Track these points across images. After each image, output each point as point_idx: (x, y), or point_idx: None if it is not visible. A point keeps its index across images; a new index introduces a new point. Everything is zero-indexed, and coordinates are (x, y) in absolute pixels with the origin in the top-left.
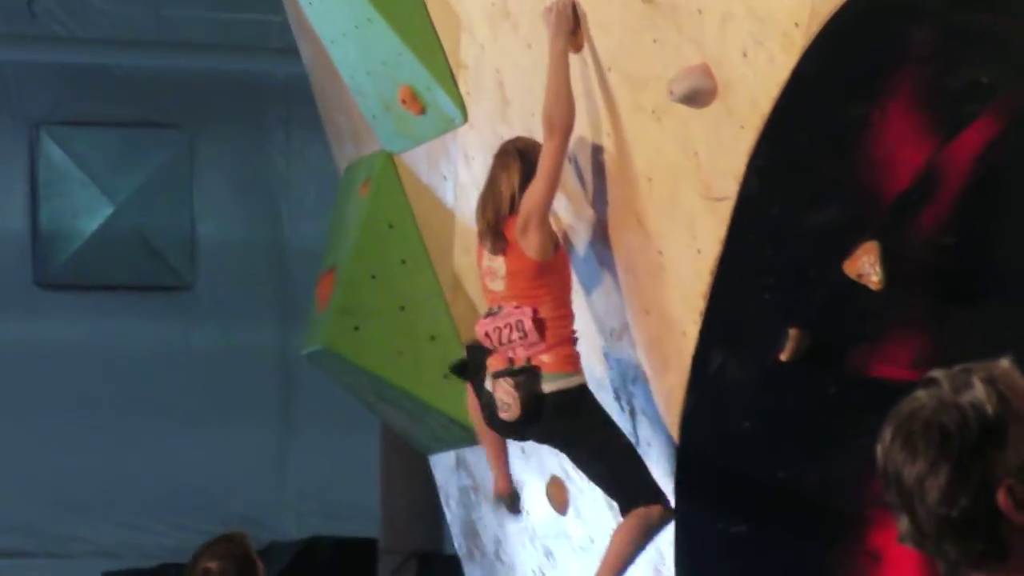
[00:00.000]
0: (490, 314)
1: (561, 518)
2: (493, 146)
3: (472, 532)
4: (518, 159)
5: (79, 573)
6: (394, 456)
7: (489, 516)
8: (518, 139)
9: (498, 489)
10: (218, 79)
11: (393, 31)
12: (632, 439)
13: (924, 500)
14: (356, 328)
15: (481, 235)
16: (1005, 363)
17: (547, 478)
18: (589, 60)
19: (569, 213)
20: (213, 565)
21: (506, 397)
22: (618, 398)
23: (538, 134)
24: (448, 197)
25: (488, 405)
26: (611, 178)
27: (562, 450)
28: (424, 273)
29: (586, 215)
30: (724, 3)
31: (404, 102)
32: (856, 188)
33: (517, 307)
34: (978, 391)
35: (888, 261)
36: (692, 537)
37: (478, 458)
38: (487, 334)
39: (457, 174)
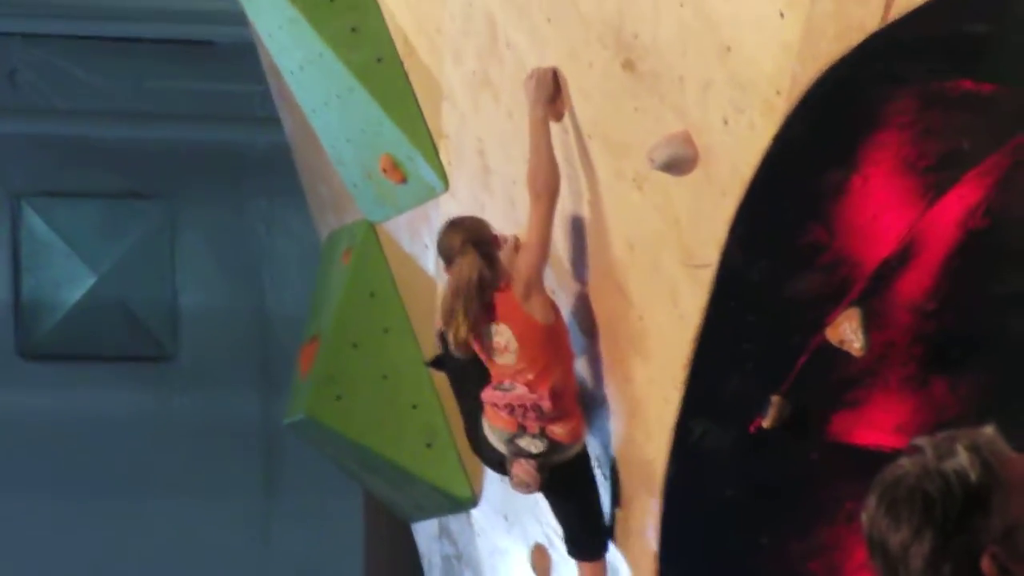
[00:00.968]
0: (501, 389)
1: None
2: (475, 215)
3: None
4: (470, 247)
5: None
6: (377, 525)
7: None
8: (454, 229)
9: None
10: (199, 149)
11: (374, 100)
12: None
13: (909, 567)
14: (338, 397)
15: (470, 334)
16: (989, 430)
17: (531, 545)
18: (570, 128)
19: (552, 280)
20: None
21: (526, 477)
22: (599, 465)
23: (520, 202)
24: (430, 265)
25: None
26: (592, 245)
27: (546, 495)
28: (406, 342)
29: (568, 282)
30: (705, 71)
31: (385, 171)
32: (837, 255)
33: (531, 388)
34: (962, 458)
35: (870, 327)
36: None
37: (461, 526)
38: (498, 404)
39: None
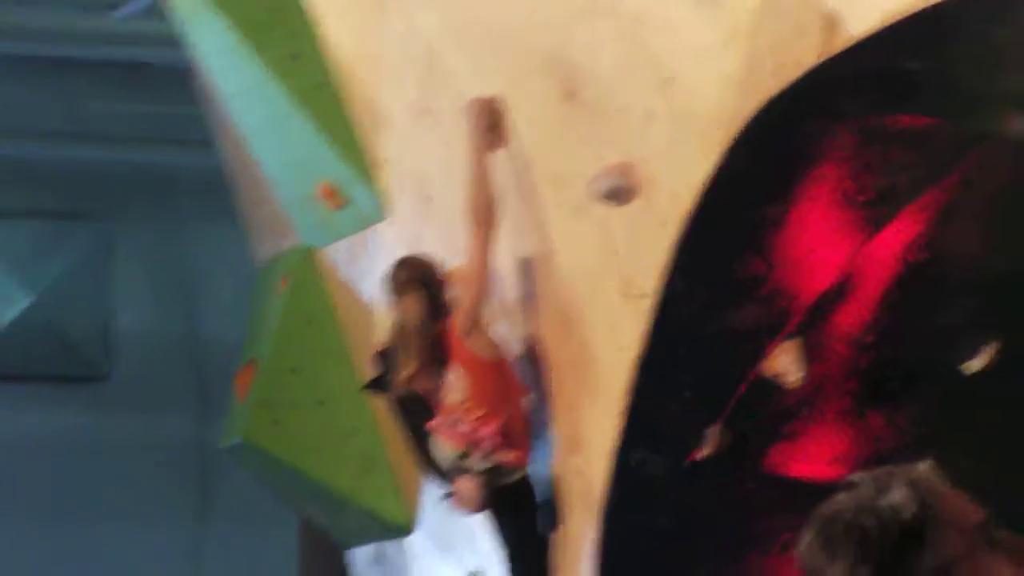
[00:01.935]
0: (449, 424)
1: None
2: (414, 242)
3: None
4: (415, 286)
5: None
6: (312, 551)
7: None
8: (402, 266)
9: None
10: (135, 171)
11: (313, 127)
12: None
13: None
14: (275, 421)
15: (418, 373)
16: (925, 466)
17: (466, 573)
18: (512, 157)
19: (496, 311)
20: None
21: (468, 492)
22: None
23: (460, 230)
24: (367, 291)
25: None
26: (534, 275)
27: (489, 516)
28: (344, 367)
29: (513, 312)
30: (647, 102)
31: (324, 197)
32: (775, 287)
33: (479, 422)
34: (898, 494)
35: (807, 360)
36: None
37: (397, 551)
38: (449, 435)
39: (377, 269)
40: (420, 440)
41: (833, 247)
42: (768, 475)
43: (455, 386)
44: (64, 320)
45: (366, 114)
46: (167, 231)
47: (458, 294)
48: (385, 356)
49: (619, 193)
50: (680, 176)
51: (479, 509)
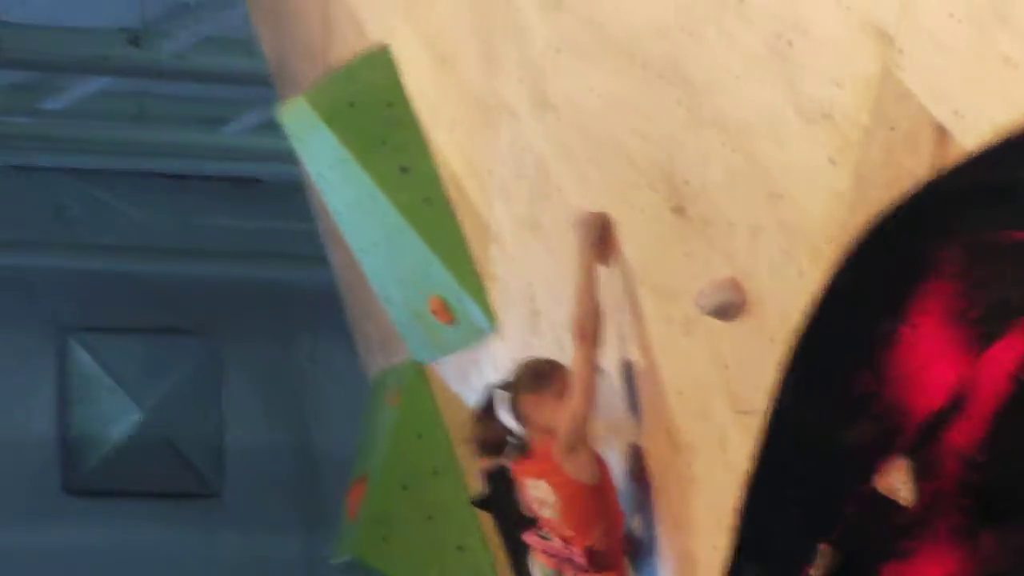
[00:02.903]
0: (540, 536)
1: None
2: (523, 357)
3: None
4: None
5: None
6: None
7: None
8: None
9: None
10: (245, 286)
11: (423, 241)
12: None
13: None
14: (385, 538)
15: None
16: None
17: None
18: (618, 272)
19: (597, 426)
20: None
21: None
22: None
23: (568, 345)
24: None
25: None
26: (640, 391)
27: None
28: (454, 483)
29: (618, 429)
30: (755, 217)
31: (435, 312)
32: (887, 404)
33: (567, 544)
34: None
35: (919, 478)
36: None
37: None
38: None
39: (486, 384)
40: (518, 553)
41: (944, 364)
42: None
43: (545, 503)
44: (175, 435)
45: (475, 229)
46: (277, 345)
47: (560, 415)
48: (492, 473)
49: (727, 308)
50: (789, 291)
51: None
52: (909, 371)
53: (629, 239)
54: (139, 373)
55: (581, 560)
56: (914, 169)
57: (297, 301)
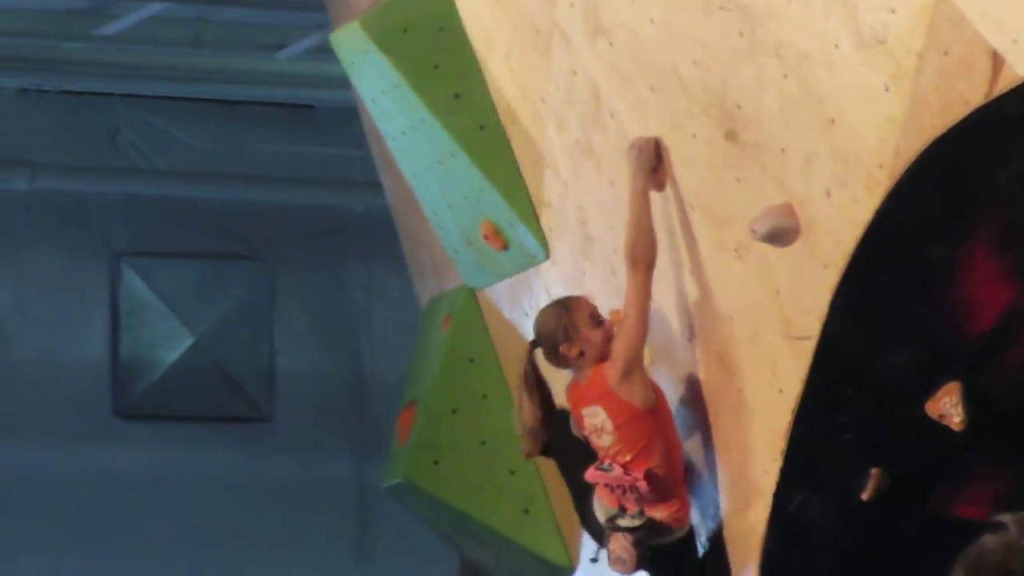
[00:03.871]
0: (601, 469)
1: None
2: (576, 282)
3: None
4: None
5: None
6: None
7: None
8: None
9: None
10: (299, 212)
11: (476, 167)
12: None
13: None
14: (436, 462)
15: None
16: None
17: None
18: (672, 198)
19: (650, 352)
20: None
21: (623, 553)
22: (697, 535)
23: (621, 271)
24: (529, 332)
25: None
26: (692, 316)
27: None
28: (505, 408)
29: (670, 354)
30: (808, 143)
31: (487, 238)
32: (939, 328)
33: (627, 471)
34: None
35: (970, 401)
36: None
37: None
38: (599, 483)
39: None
40: (580, 491)
41: (998, 288)
42: (930, 517)
43: (603, 429)
44: (227, 360)
45: (528, 155)
46: (330, 272)
47: (614, 342)
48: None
49: (781, 234)
50: (842, 218)
51: (634, 569)
52: (962, 296)
53: (682, 165)
54: (191, 298)
55: (643, 485)
56: (968, 95)
57: (350, 227)
